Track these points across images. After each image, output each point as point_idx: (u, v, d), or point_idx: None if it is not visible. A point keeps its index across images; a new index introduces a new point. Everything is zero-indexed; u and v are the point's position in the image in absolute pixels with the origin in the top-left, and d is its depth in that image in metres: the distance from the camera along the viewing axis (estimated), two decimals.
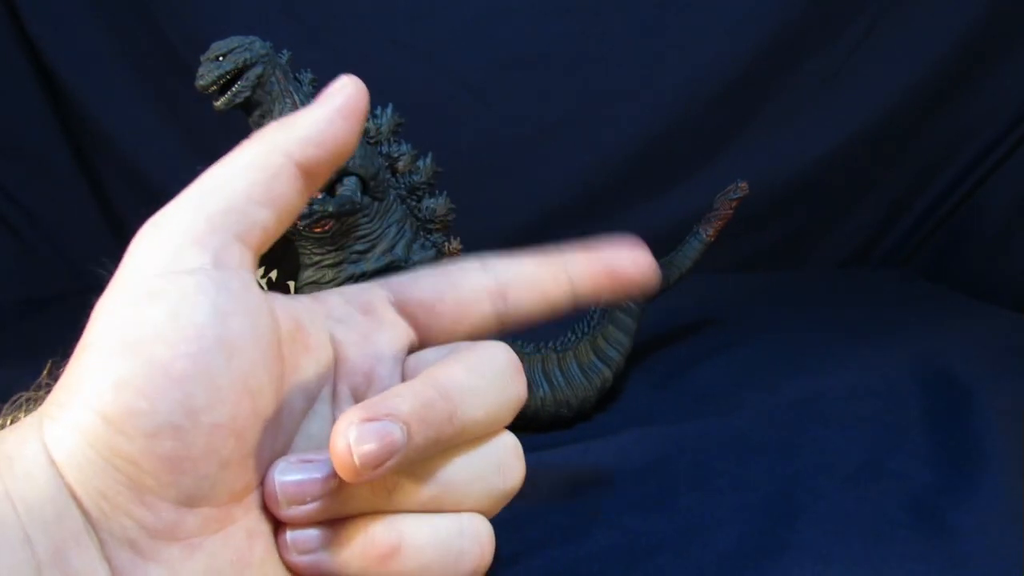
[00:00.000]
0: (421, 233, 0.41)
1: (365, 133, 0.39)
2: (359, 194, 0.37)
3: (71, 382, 0.18)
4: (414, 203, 0.41)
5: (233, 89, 0.36)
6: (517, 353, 0.44)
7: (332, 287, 0.38)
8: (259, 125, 0.37)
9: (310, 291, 0.38)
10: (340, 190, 0.37)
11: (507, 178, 0.88)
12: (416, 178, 0.41)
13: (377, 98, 0.40)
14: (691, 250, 0.54)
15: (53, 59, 0.85)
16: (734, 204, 0.53)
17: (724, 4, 0.82)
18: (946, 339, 0.57)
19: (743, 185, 0.53)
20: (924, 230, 0.88)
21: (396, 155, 0.40)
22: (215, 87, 0.35)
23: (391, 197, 0.40)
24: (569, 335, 0.47)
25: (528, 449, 0.41)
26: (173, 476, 0.18)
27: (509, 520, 0.35)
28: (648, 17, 0.84)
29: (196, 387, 0.18)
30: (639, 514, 0.34)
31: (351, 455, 0.17)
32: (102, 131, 0.88)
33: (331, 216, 0.37)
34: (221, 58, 0.35)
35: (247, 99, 0.36)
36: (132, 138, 0.88)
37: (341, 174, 0.37)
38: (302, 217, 0.36)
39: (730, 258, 0.90)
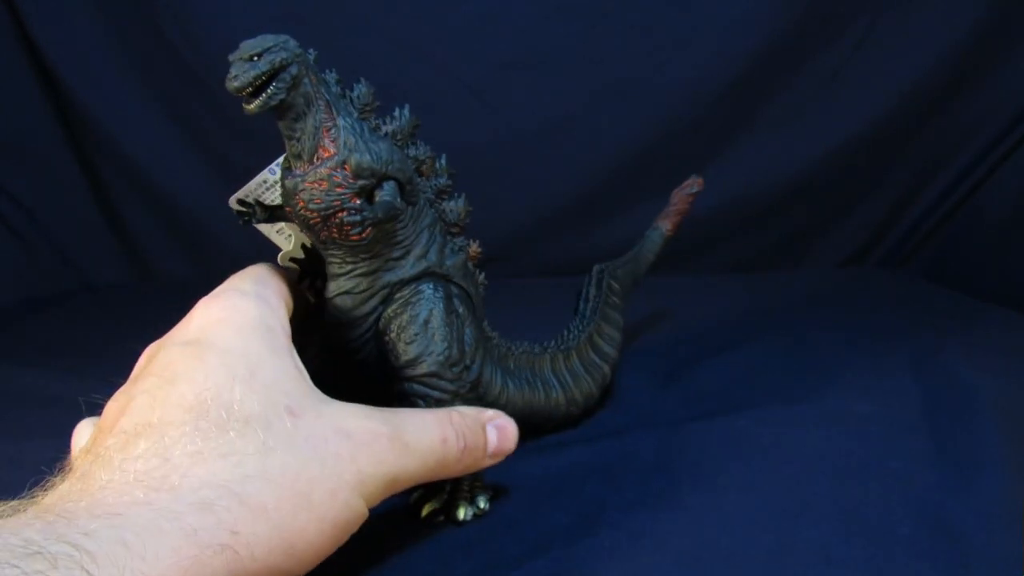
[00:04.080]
0: (448, 236, 0.39)
1: (392, 135, 0.37)
2: (399, 198, 0.35)
3: None
4: (440, 206, 0.39)
5: (268, 91, 0.32)
6: (527, 354, 0.43)
7: (367, 296, 0.36)
8: (291, 129, 0.34)
9: (342, 301, 0.37)
10: (380, 195, 0.35)
11: (507, 178, 0.88)
12: (442, 180, 0.39)
13: (377, 98, 0.40)
14: (652, 244, 0.55)
15: (54, 60, 0.86)
16: (690, 199, 0.55)
17: (724, 4, 0.82)
18: (946, 339, 0.57)
19: (699, 180, 0.55)
20: (924, 230, 0.89)
21: (421, 157, 0.38)
22: (250, 89, 0.32)
23: (422, 201, 0.38)
24: (566, 333, 0.47)
25: (536, 451, 0.41)
26: None
27: (511, 520, 0.35)
28: (648, 17, 0.84)
29: None
30: (642, 514, 0.34)
31: None
32: (103, 131, 0.88)
33: (381, 223, 0.34)
34: (256, 58, 0.32)
35: (281, 101, 0.33)
36: (133, 138, 0.88)
37: (380, 179, 0.35)
38: (352, 225, 0.34)
39: (730, 258, 0.90)
